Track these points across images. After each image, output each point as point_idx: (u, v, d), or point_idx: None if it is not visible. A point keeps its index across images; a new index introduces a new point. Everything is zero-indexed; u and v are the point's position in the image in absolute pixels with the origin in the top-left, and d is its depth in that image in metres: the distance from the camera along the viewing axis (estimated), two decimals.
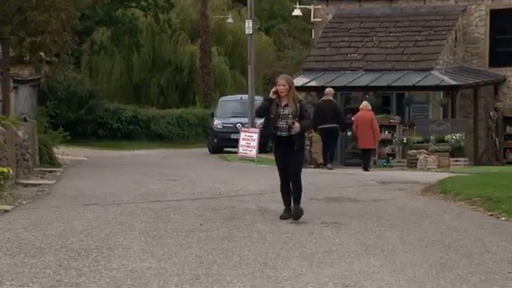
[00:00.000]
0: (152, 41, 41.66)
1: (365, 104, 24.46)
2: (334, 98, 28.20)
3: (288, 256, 9.04)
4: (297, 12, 33.49)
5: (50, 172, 21.01)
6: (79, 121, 34.56)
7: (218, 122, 31.88)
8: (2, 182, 16.31)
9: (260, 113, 12.23)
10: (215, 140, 31.45)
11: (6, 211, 13.21)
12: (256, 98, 31.07)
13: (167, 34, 40.94)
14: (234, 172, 21.53)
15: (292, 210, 11.76)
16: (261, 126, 32.23)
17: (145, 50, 40.50)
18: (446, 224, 11.57)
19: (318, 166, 26.54)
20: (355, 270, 8.32)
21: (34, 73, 31.84)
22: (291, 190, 11.93)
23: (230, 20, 41.87)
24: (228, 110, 32.33)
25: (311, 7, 31.93)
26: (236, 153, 26.82)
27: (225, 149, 30.25)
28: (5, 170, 16.41)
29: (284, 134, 11.75)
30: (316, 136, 27.58)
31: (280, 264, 8.58)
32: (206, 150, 32.03)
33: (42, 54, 24.53)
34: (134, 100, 40.80)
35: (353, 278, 7.98)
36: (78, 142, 32.60)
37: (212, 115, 33.18)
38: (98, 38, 39.38)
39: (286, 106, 11.72)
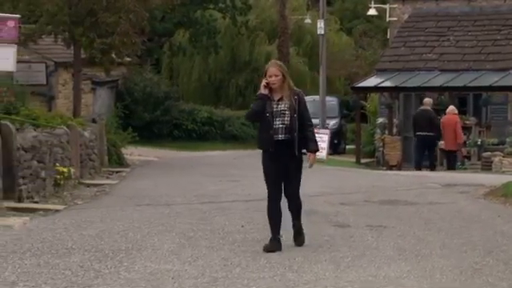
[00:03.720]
0: (231, 41, 41.71)
1: (451, 108, 25.16)
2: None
3: (316, 260, 8.83)
4: (372, 11, 33.09)
5: (116, 172, 21.20)
6: (155, 122, 34.82)
7: None
8: (62, 182, 16.52)
9: (255, 115, 9.46)
10: None
11: (57, 211, 13.35)
12: (329, 98, 30.89)
13: (245, 35, 40.93)
14: None
15: (292, 226, 9.57)
16: (334, 126, 32.30)
17: (223, 51, 40.58)
18: (495, 229, 11.19)
19: (390, 167, 26.25)
20: (380, 275, 8.07)
21: (113, 74, 32.22)
22: (289, 205, 9.51)
23: (307, 20, 41.62)
24: None
25: (387, 6, 31.46)
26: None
27: None
28: (65, 169, 16.61)
29: (281, 136, 9.27)
30: (388, 137, 27.26)
31: (305, 268, 8.39)
32: None
33: (113, 55, 24.77)
34: (214, 101, 40.90)
35: (374, 284, 7.74)
36: (153, 143, 32.89)
37: None
38: (178, 40, 39.66)
39: (281, 100, 9.29)
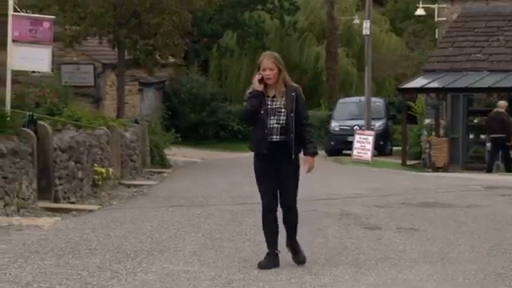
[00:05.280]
0: (280, 43, 41.58)
1: None
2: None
3: (338, 262, 8.70)
4: (420, 11, 32.73)
5: (158, 173, 21.26)
6: (201, 123, 34.92)
7: (335, 125, 31.62)
8: (100, 183, 16.58)
9: (251, 115, 8.25)
10: (332, 142, 31.20)
11: (90, 211, 13.39)
12: (375, 99, 30.62)
13: (295, 36, 40.77)
14: (341, 175, 21.17)
15: (287, 245, 8.45)
16: (379, 128, 31.97)
17: None
18: None
19: (436, 169, 25.90)
20: (400, 279, 7.91)
21: (159, 75, 32.38)
22: (283, 217, 8.35)
23: (356, 21, 41.36)
24: (346, 112, 32.06)
25: (435, 6, 31.07)
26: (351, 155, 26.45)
27: (343, 151, 29.81)
28: (103, 170, 16.67)
29: (276, 137, 8.19)
30: (435, 138, 26.91)
31: (324, 270, 8.25)
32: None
33: (157, 57, 24.86)
34: None
35: (392, 287, 7.58)
36: (198, 144, 32.96)
37: (330, 117, 32.92)
38: (226, 42, 39.68)
39: (276, 96, 8.21)
